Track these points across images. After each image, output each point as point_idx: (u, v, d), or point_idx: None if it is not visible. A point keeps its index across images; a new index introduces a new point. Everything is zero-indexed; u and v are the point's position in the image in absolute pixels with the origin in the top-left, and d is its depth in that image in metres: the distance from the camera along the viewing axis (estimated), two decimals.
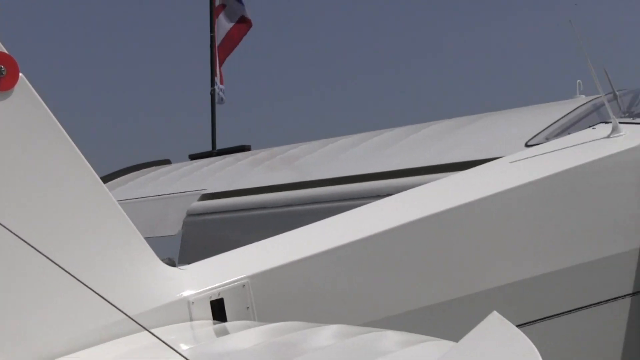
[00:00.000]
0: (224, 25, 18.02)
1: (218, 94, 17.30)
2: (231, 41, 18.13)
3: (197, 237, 7.89)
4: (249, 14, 18.17)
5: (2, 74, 3.37)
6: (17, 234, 3.16)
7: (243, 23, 18.22)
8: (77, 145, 3.57)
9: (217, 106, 17.35)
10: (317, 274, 4.20)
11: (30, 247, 3.17)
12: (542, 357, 2.43)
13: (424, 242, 4.63)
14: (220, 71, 17.68)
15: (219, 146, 15.20)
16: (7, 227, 3.17)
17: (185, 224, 8.14)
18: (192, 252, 7.02)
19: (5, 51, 3.40)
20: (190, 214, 8.20)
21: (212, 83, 17.40)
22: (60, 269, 3.19)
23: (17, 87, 3.41)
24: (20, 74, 3.42)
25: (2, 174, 3.36)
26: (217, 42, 17.68)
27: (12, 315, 3.30)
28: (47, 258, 3.17)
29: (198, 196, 8.39)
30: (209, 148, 15.09)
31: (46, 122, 3.49)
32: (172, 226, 8.20)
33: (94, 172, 3.63)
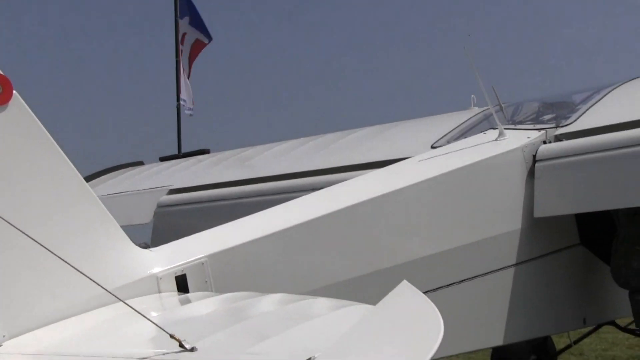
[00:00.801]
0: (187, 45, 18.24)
1: (183, 107, 17.48)
2: (190, 58, 18.31)
3: (165, 224, 7.86)
4: (204, 37, 18.28)
5: (0, 91, 3.33)
6: (12, 224, 3.14)
7: (200, 43, 18.36)
8: (62, 149, 3.53)
9: (182, 117, 17.56)
10: (263, 253, 4.19)
11: (24, 235, 3.16)
12: (443, 317, 2.45)
13: (350, 226, 4.63)
14: (189, 90, 17.89)
15: (183, 150, 15.21)
16: (5, 219, 3.14)
17: (156, 214, 8.11)
18: (162, 237, 6.96)
19: (1, 72, 3.34)
20: (160, 206, 8.16)
21: (178, 98, 17.53)
22: (49, 252, 3.17)
23: (11, 102, 3.36)
24: (14, 91, 3.37)
25: (2, 174, 3.31)
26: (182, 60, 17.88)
27: (6, 291, 3.25)
28: (38, 243, 3.16)
29: (166, 191, 8.36)
30: (176, 151, 15.05)
31: (36, 131, 3.45)
32: (145, 216, 8.16)
33: (77, 172, 3.59)
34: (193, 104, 17.87)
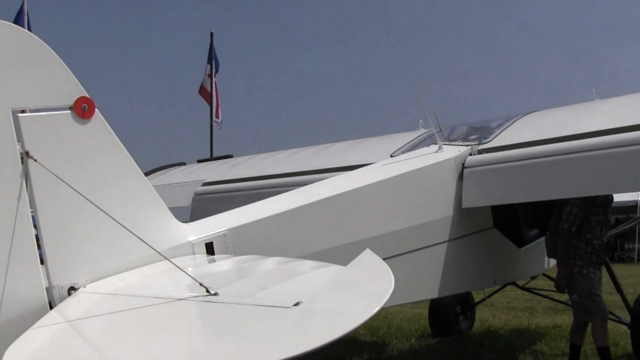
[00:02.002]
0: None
1: (215, 123, 17.64)
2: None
3: (200, 207, 7.86)
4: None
5: (86, 109, 3.33)
6: (96, 204, 3.17)
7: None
8: (129, 153, 3.54)
9: (214, 132, 17.72)
10: (268, 228, 4.18)
11: (102, 212, 3.19)
12: (395, 276, 2.45)
13: (331, 210, 4.61)
14: (217, 111, 18.01)
15: (214, 154, 15.25)
16: (90, 200, 3.18)
17: (193, 200, 8.12)
18: (197, 215, 6.96)
19: (87, 95, 3.34)
20: (196, 194, 8.18)
21: (211, 117, 17.63)
22: (118, 224, 3.18)
23: (94, 117, 3.36)
24: (96, 109, 3.37)
25: (86, 169, 3.30)
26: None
27: (89, 252, 3.26)
28: (111, 217, 3.18)
29: (201, 183, 8.37)
30: (209, 155, 15.07)
31: (111, 138, 3.44)
32: (186, 200, 8.17)
33: (139, 168, 3.58)
34: (220, 126, 18.04)
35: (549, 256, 6.38)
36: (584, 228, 6.10)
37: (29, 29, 13.38)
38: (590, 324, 6.38)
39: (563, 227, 6.08)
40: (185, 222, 3.98)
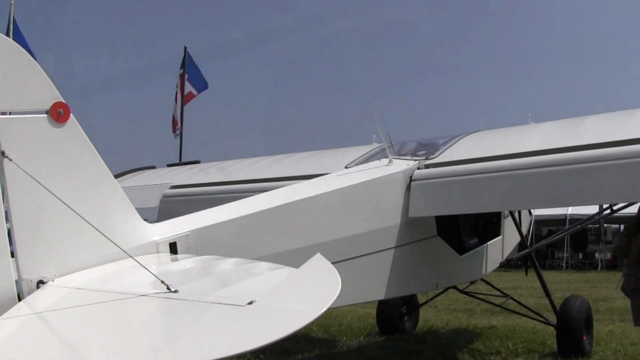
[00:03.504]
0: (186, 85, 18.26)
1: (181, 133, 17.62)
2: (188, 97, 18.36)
3: (167, 208, 7.75)
4: (195, 90, 18.27)
5: (62, 113, 3.28)
6: (66, 204, 3.12)
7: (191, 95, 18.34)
8: (101, 156, 3.49)
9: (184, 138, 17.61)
10: (228, 230, 4.15)
11: (72, 212, 3.14)
12: (346, 278, 2.47)
13: (287, 216, 4.60)
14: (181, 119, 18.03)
15: (183, 159, 15.14)
16: (61, 199, 3.12)
17: (161, 201, 8.01)
18: (164, 217, 6.87)
19: (63, 100, 3.30)
20: (164, 196, 8.07)
21: (181, 125, 17.56)
22: (87, 222, 3.14)
23: (69, 121, 3.32)
24: (71, 114, 3.33)
25: (58, 169, 3.25)
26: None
27: (58, 248, 3.21)
28: (81, 217, 3.13)
29: (169, 186, 8.26)
30: (178, 160, 14.94)
31: (84, 141, 3.40)
32: (154, 202, 8.05)
33: (109, 170, 3.53)
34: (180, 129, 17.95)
35: (616, 255, 6.31)
36: None
37: (20, 35, 13.00)
38: None
39: None
40: (154, 222, 3.93)
